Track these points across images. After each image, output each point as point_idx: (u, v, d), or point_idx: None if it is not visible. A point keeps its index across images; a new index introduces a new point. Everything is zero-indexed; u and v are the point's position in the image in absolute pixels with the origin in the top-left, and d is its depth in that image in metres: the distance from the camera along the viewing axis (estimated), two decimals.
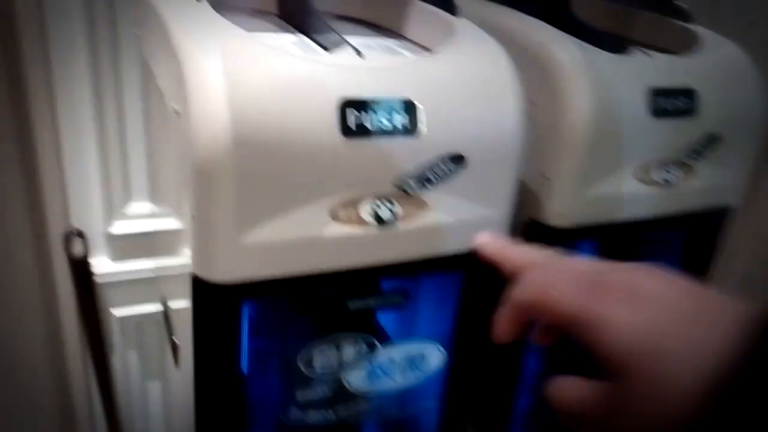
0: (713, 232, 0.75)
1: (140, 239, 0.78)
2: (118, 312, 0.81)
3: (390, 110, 0.46)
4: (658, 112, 0.65)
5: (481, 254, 0.35)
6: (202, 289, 0.44)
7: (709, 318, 0.22)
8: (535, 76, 0.62)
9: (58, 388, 0.83)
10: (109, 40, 0.68)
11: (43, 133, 0.69)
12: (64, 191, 0.73)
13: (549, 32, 0.64)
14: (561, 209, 0.64)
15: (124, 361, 0.84)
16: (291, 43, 0.53)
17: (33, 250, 0.74)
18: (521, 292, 0.29)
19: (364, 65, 0.46)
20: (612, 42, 0.65)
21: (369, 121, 0.45)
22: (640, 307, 0.24)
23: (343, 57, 0.47)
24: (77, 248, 0.74)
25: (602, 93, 0.61)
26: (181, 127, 0.43)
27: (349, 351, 0.52)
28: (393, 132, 0.46)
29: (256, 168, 0.41)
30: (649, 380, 0.22)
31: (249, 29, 0.57)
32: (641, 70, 0.65)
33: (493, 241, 0.35)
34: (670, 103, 0.66)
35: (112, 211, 0.76)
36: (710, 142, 0.67)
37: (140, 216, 0.77)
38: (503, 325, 0.29)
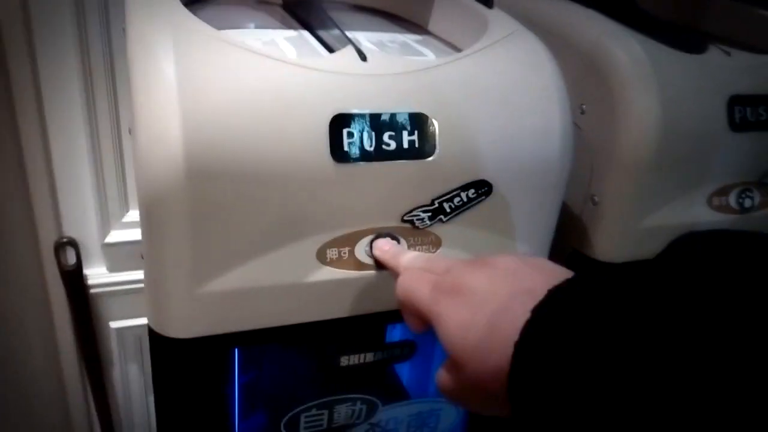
0: None
1: (138, 248, 0.71)
2: (116, 324, 0.75)
3: (396, 127, 0.37)
4: (738, 125, 0.53)
5: (380, 261, 0.39)
6: (158, 344, 0.37)
7: (512, 304, 0.26)
8: (587, 80, 0.52)
9: (57, 401, 0.79)
10: (101, 36, 0.61)
11: (29, 136, 0.63)
12: (55, 198, 0.67)
13: (606, 26, 0.53)
14: (610, 240, 0.54)
15: (124, 374, 0.79)
16: (285, 41, 0.44)
17: (29, 259, 0.69)
18: (396, 293, 0.33)
19: (365, 71, 0.37)
20: (685, 38, 0.53)
21: (368, 141, 0.36)
22: (461, 304, 0.28)
23: (340, 60, 0.37)
24: (70, 258, 0.69)
25: (669, 101, 0.50)
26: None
27: (343, 413, 0.44)
28: (399, 154, 0.37)
29: (216, 204, 0.33)
30: (469, 366, 0.27)
31: (243, 24, 0.49)
32: (718, 73, 0.54)
33: (389, 248, 0.39)
34: (753, 113, 0.54)
35: (108, 220, 0.70)
36: None
37: (138, 224, 0.71)
38: (406, 319, 0.33)
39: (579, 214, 0.55)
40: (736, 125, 0.53)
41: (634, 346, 0.21)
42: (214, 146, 0.32)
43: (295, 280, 0.37)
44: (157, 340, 0.36)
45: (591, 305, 0.23)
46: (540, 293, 0.25)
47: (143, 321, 0.76)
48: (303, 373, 0.42)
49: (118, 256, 0.72)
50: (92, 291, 0.73)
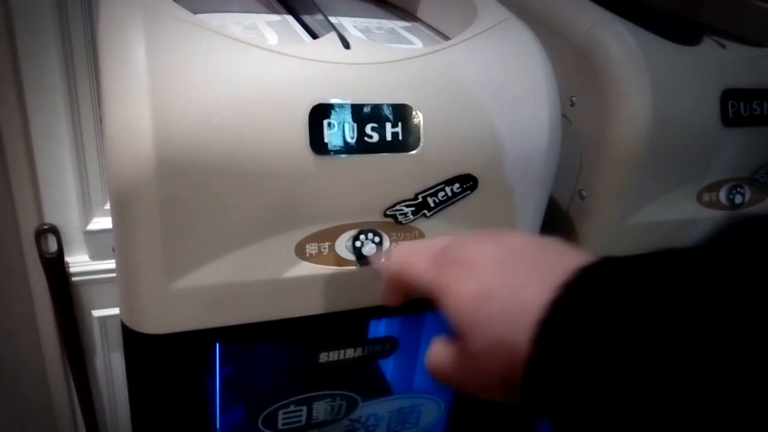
0: None
1: None
2: (99, 312, 0.74)
3: (379, 118, 0.36)
4: (731, 119, 0.52)
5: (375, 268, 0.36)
6: (131, 339, 0.36)
7: (532, 277, 0.24)
8: (578, 71, 0.51)
9: (39, 390, 0.78)
10: (82, 18, 0.59)
11: (9, 121, 0.61)
12: (36, 185, 0.65)
13: (599, 15, 0.51)
14: (598, 237, 0.53)
15: (107, 363, 0.78)
16: (267, 26, 0.43)
17: (9, 247, 0.67)
18: (389, 265, 0.31)
19: (348, 59, 0.36)
20: (679, 29, 0.52)
21: (350, 133, 0.35)
22: (472, 275, 0.25)
23: (321, 48, 0.36)
24: (51, 245, 0.67)
25: (661, 94, 0.49)
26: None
27: (322, 410, 0.43)
28: (382, 147, 0.36)
29: (189, 197, 0.31)
30: (480, 341, 0.24)
31: (224, 7, 0.48)
32: (712, 66, 0.53)
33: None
34: (747, 107, 0.53)
35: (90, 206, 0.68)
36: None
37: None
38: (384, 293, 0.31)
39: (566, 209, 0.54)
40: (729, 120, 0.52)
41: (684, 339, 0.19)
42: (187, 137, 0.31)
43: (272, 276, 0.36)
44: (130, 336, 0.35)
45: (637, 287, 0.20)
46: (564, 269, 0.22)
47: None
48: (281, 370, 0.41)
49: (101, 243, 0.71)
50: (74, 279, 0.71)
